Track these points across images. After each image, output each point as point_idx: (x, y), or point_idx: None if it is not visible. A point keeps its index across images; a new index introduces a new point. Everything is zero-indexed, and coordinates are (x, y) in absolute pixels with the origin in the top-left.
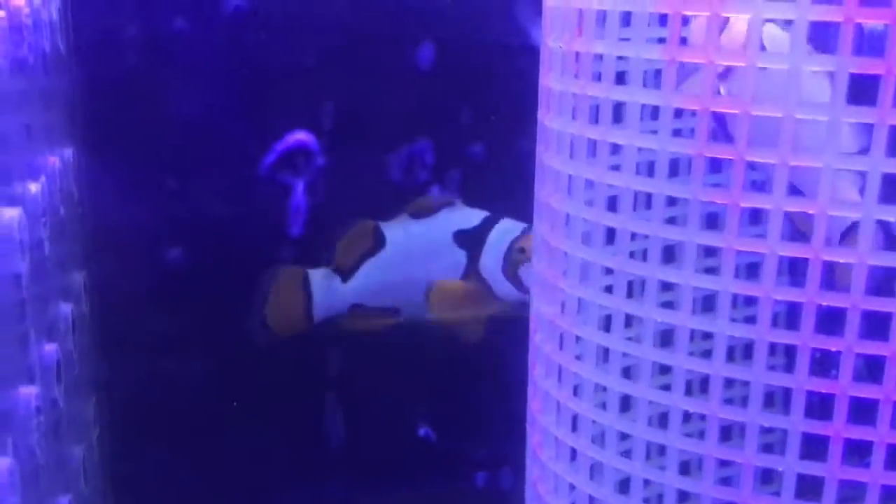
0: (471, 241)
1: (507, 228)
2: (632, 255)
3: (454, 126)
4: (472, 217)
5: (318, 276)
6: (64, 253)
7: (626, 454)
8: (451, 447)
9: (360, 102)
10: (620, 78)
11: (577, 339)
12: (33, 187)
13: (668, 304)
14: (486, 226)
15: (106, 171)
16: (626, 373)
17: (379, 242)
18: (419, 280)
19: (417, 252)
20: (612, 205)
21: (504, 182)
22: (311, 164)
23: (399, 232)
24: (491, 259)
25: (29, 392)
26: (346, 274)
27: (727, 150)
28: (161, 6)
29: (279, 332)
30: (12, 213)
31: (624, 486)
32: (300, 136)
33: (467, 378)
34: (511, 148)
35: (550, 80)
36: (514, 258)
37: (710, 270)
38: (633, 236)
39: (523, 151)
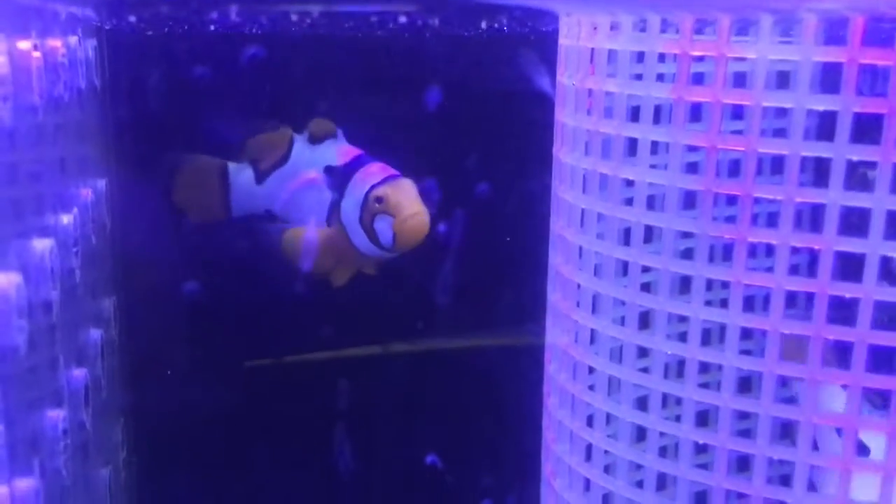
0: (337, 180)
1: (372, 172)
2: (643, 287)
3: (460, 166)
4: (345, 154)
5: (236, 170)
6: (95, 279)
7: (639, 484)
8: (457, 475)
9: (370, 142)
10: (634, 112)
11: (590, 369)
12: (65, 219)
13: (681, 336)
14: (353, 166)
15: (136, 202)
16: (640, 403)
17: (287, 155)
18: (298, 209)
19: (301, 180)
20: (625, 237)
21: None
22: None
23: (303, 151)
24: (350, 204)
25: (56, 415)
26: (259, 176)
27: (734, 186)
28: (185, 51)
29: (193, 218)
30: (45, 244)
31: None
32: (311, 175)
33: (473, 407)
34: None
35: (564, 116)
36: (370, 207)
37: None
38: (645, 269)
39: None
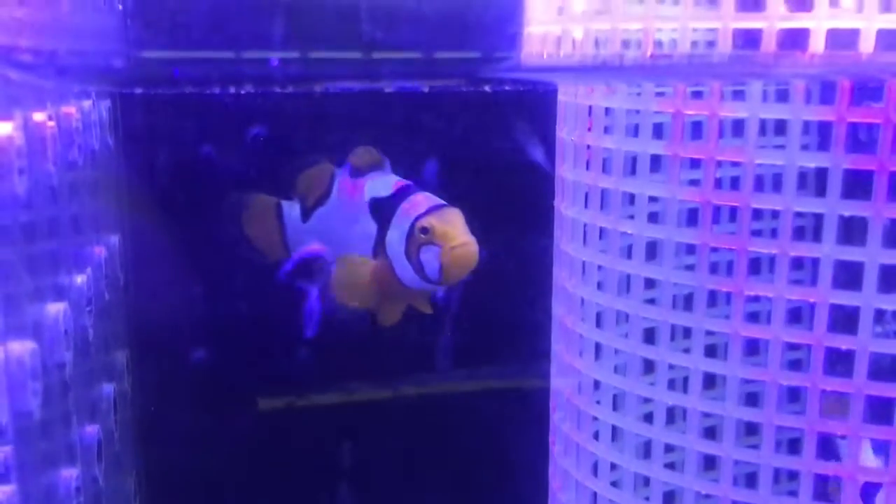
0: (382, 211)
1: (417, 202)
2: (646, 333)
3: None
4: (389, 184)
5: (289, 207)
6: (108, 334)
7: None
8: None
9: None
10: (634, 162)
11: (594, 418)
12: (79, 279)
13: (683, 382)
14: (398, 197)
15: (149, 254)
16: (644, 450)
17: (328, 192)
18: (343, 245)
19: (345, 215)
20: (626, 287)
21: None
22: (324, 272)
23: (345, 185)
24: (396, 236)
25: (70, 473)
26: (305, 213)
27: (729, 240)
28: (182, 104)
29: (259, 254)
30: (58, 308)
31: None
32: (315, 246)
33: (481, 450)
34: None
35: (564, 171)
36: (416, 238)
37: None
38: (645, 318)
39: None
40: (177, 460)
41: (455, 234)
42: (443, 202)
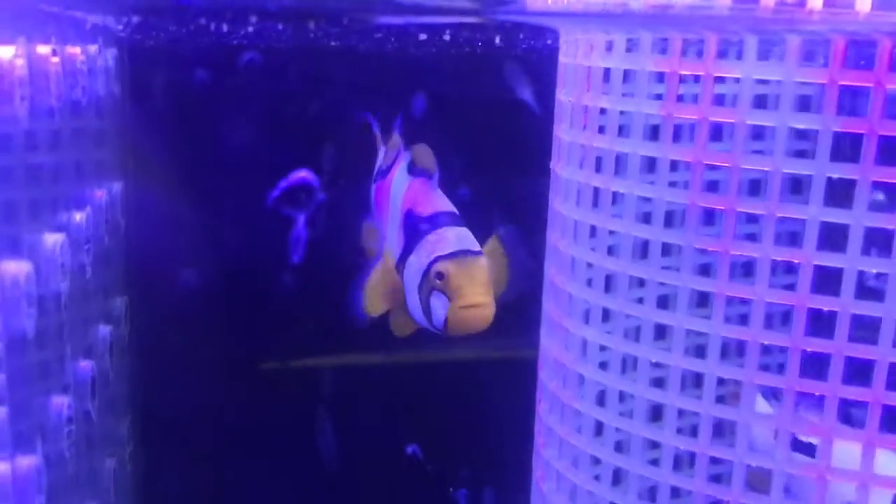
0: (412, 228)
1: (446, 239)
2: (638, 299)
3: (443, 169)
4: (431, 203)
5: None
6: (108, 279)
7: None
8: (436, 466)
9: (357, 146)
10: (634, 129)
11: (581, 378)
12: (78, 216)
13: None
14: (432, 222)
15: (151, 204)
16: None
17: (390, 167)
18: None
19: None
20: (614, 251)
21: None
22: (311, 199)
23: (402, 174)
24: (415, 266)
25: (61, 402)
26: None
27: (719, 200)
28: (190, 57)
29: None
30: (56, 238)
31: None
32: (303, 174)
33: (454, 403)
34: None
35: (561, 132)
36: (431, 279)
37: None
38: (631, 282)
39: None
40: (173, 408)
41: (470, 291)
42: (473, 247)
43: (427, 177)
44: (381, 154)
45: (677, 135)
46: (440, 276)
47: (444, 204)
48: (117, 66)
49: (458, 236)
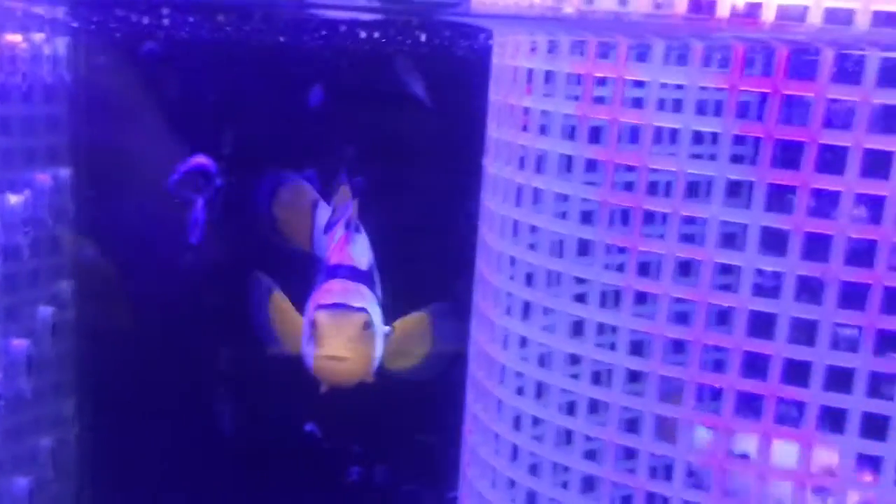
0: (319, 276)
1: (332, 291)
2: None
3: (337, 158)
4: (339, 252)
5: (322, 211)
6: (54, 262)
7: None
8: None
9: (256, 133)
10: (571, 130)
11: (503, 367)
12: (13, 199)
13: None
14: (330, 272)
15: (101, 189)
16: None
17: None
18: None
19: None
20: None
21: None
22: (209, 183)
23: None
24: (307, 311)
25: None
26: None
27: (628, 198)
28: (158, 50)
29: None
30: None
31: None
32: (201, 159)
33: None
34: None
35: (492, 130)
36: (309, 328)
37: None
38: (549, 277)
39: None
40: (117, 390)
41: (332, 343)
42: (354, 302)
43: (346, 227)
44: (329, 207)
45: (595, 135)
46: (312, 324)
47: (354, 257)
48: (70, 55)
49: (343, 290)
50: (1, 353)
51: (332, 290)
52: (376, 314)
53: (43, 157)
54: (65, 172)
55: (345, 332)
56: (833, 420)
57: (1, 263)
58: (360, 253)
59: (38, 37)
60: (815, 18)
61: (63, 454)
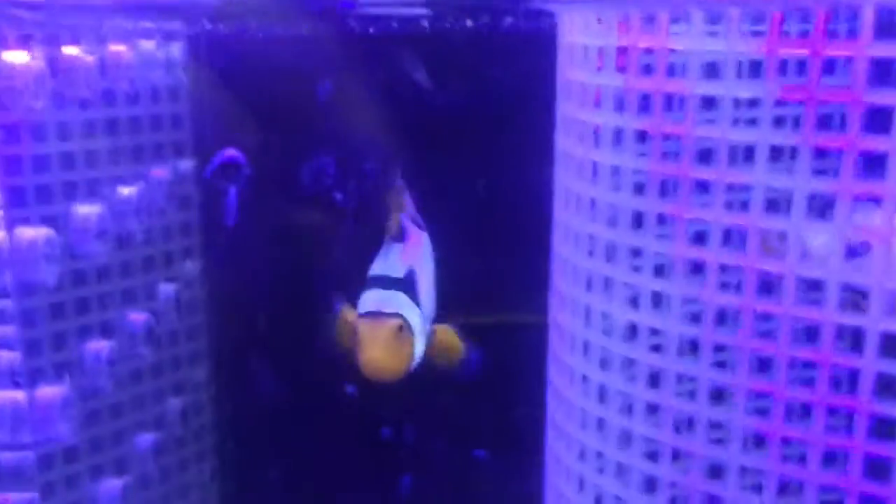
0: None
1: (373, 300)
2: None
3: (351, 146)
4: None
5: None
6: (175, 245)
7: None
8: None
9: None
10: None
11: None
12: (126, 191)
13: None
14: (371, 283)
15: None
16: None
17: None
18: None
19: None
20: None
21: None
22: (240, 173)
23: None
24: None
25: (101, 346)
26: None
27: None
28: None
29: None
30: (92, 209)
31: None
32: (232, 152)
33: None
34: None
35: (563, 108)
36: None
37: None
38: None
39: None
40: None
41: (369, 347)
42: (388, 308)
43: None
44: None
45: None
46: (355, 331)
47: (393, 266)
48: (184, 57)
49: (378, 298)
50: (113, 322)
51: (368, 299)
52: (414, 316)
53: (169, 151)
54: (187, 164)
55: (380, 336)
56: None
57: (139, 247)
58: (394, 261)
59: (149, 44)
60: None
61: (197, 416)
